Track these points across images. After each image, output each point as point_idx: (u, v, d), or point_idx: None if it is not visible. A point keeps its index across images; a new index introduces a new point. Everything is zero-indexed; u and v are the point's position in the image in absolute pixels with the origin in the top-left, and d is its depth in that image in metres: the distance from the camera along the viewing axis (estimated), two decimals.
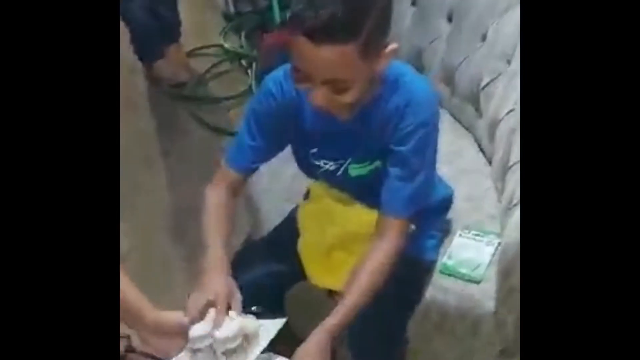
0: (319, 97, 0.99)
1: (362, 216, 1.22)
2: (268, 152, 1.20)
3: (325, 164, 1.17)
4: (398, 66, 1.10)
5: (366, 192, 1.21)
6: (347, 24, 0.92)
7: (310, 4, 0.92)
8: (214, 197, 1.19)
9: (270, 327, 1.05)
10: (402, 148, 1.07)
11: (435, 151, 1.11)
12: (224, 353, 0.98)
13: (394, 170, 1.09)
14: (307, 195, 1.35)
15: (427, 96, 1.09)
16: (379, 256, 1.09)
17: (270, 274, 1.26)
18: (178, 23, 2.51)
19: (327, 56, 0.93)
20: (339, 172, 1.17)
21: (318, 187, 1.31)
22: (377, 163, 1.15)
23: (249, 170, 1.22)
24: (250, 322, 1.03)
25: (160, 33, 2.45)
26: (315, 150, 1.17)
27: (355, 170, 1.16)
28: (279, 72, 1.13)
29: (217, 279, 1.06)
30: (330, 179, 1.20)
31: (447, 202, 1.32)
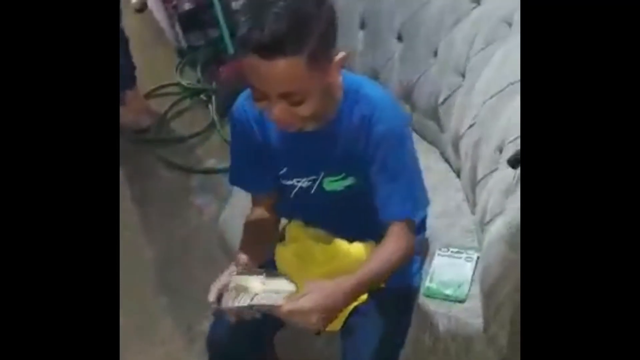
0: (277, 111, 1.02)
1: (344, 250, 1.23)
2: (260, 175, 1.23)
3: (297, 182, 1.19)
4: (355, 79, 1.15)
5: (344, 217, 1.21)
6: (292, 38, 0.96)
7: (255, 22, 0.97)
8: (250, 220, 1.27)
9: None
10: (379, 155, 1.10)
11: (413, 152, 1.14)
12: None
13: (379, 179, 1.12)
14: (282, 237, 1.34)
15: (389, 103, 1.13)
16: (385, 251, 1.12)
17: (257, 319, 1.25)
18: (132, 68, 2.49)
19: (277, 70, 0.97)
20: (314, 189, 1.18)
21: (294, 228, 1.30)
22: (352, 179, 1.16)
23: (260, 190, 1.26)
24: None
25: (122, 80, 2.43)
26: (284, 170, 1.19)
27: (330, 185, 1.18)
28: (241, 98, 1.19)
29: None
30: (304, 199, 1.21)
31: (423, 222, 1.32)
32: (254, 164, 1.22)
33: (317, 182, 1.18)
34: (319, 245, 1.25)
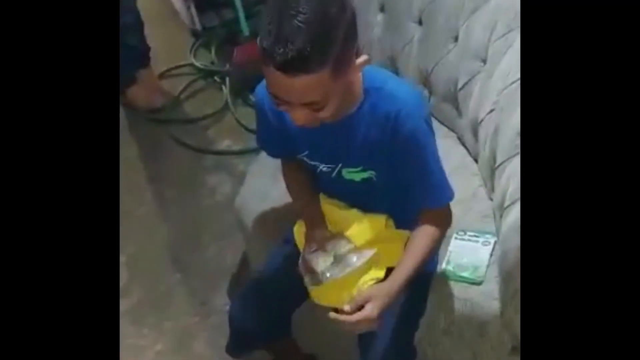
0: (299, 117, 1.03)
1: (374, 224, 1.25)
2: (284, 149, 1.26)
3: (319, 164, 1.21)
4: (377, 74, 1.14)
5: (362, 202, 1.24)
6: (317, 54, 0.94)
7: (278, 38, 0.93)
8: (286, 173, 1.32)
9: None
10: (410, 153, 1.11)
11: (434, 142, 1.15)
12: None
13: (413, 176, 1.14)
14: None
15: (414, 100, 1.13)
16: (428, 237, 1.16)
17: (276, 297, 1.29)
18: (147, 49, 2.50)
19: (302, 85, 0.96)
20: (334, 174, 1.21)
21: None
22: (371, 173, 1.18)
23: (289, 155, 1.28)
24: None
25: (130, 61, 2.43)
26: (305, 153, 1.21)
27: (348, 174, 1.20)
28: (261, 85, 1.17)
29: (320, 230, 1.23)
30: (326, 180, 1.23)
31: None
32: (276, 141, 1.25)
33: (336, 170, 1.20)
34: (336, 211, 1.28)
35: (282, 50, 0.93)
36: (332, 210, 1.29)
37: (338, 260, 1.20)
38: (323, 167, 1.21)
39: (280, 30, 0.93)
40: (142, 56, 2.50)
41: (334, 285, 1.21)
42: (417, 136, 1.10)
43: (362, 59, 1.04)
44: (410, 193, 1.16)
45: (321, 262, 1.19)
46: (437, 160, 1.14)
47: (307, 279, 1.21)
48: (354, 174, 1.19)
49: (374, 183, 1.19)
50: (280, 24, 0.93)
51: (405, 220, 1.22)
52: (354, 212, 1.27)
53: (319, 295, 1.26)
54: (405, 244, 1.19)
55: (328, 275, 1.19)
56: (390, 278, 1.13)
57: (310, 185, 1.29)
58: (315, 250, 1.21)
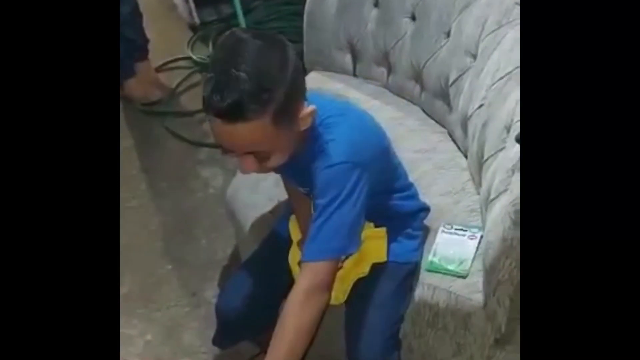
0: (245, 166, 1.04)
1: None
2: None
3: (297, 187, 1.23)
4: (325, 112, 1.09)
5: None
6: (253, 104, 0.95)
7: (215, 89, 0.96)
8: (285, 184, 1.31)
9: None
10: (319, 197, 1.06)
11: (351, 197, 1.05)
12: None
13: (314, 221, 1.06)
14: None
15: (344, 137, 1.07)
16: (291, 309, 1.07)
17: (264, 287, 1.29)
18: (145, 42, 2.50)
19: (241, 133, 0.97)
20: (311, 195, 1.19)
21: None
22: None
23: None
24: None
25: (127, 53, 2.44)
26: (282, 174, 1.24)
27: None
28: None
29: None
30: (309, 199, 1.22)
31: (423, 209, 1.34)
32: None
33: (313, 194, 1.17)
34: None
35: (218, 98, 0.95)
36: None
37: None
38: (299, 189, 1.23)
39: (219, 81, 0.96)
40: (140, 49, 2.51)
41: None
42: (328, 174, 1.05)
43: (307, 110, 1.03)
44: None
45: None
46: (338, 211, 1.04)
47: None
48: None
49: None
50: (219, 75, 0.96)
51: (382, 220, 1.25)
52: None
53: None
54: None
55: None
56: None
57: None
58: None
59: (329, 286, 1.08)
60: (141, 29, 2.47)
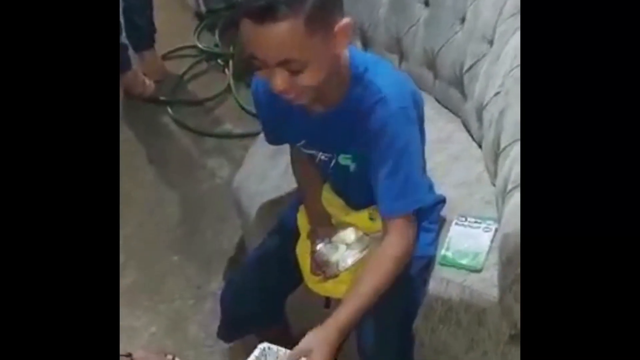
0: (277, 80, 0.99)
1: (360, 222, 1.22)
2: (283, 136, 1.24)
3: (317, 153, 1.19)
4: (363, 61, 1.09)
5: (358, 189, 1.21)
6: (285, 4, 0.93)
7: None
8: (294, 161, 1.30)
9: None
10: (379, 145, 1.06)
11: (415, 141, 1.10)
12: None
13: (379, 172, 1.08)
14: None
15: (392, 88, 1.07)
16: (382, 258, 1.10)
17: (270, 280, 1.27)
18: (152, 30, 2.48)
19: (272, 35, 0.94)
20: (332, 163, 1.18)
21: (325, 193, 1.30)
22: (359, 161, 1.15)
23: (289, 143, 1.26)
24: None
25: (134, 41, 2.41)
26: (303, 142, 1.19)
27: (344, 160, 1.17)
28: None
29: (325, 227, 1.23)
30: (325, 168, 1.21)
31: (439, 201, 1.31)
32: (273, 131, 1.24)
33: (334, 159, 1.18)
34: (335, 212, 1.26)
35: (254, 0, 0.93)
36: (331, 202, 1.27)
37: (351, 247, 1.19)
38: (321, 156, 1.19)
39: None
40: (148, 37, 2.49)
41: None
42: (388, 127, 1.05)
43: (344, 22, 1.00)
44: (376, 194, 1.10)
45: (334, 254, 1.18)
46: (408, 159, 1.07)
47: (321, 275, 1.20)
48: (349, 161, 1.17)
49: (367, 170, 1.15)
50: None
51: None
52: (354, 215, 1.25)
53: (317, 284, 1.24)
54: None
55: (349, 262, 1.18)
56: (332, 320, 1.05)
57: (317, 177, 1.27)
58: (324, 244, 1.20)
59: (414, 239, 1.13)
60: (150, 17, 2.45)
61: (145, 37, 2.47)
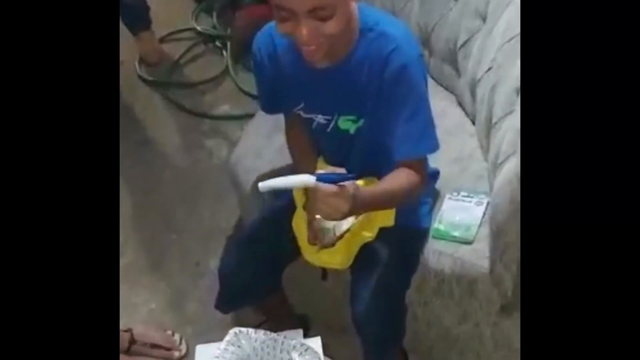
0: (305, 31, 0.98)
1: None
2: (282, 101, 1.23)
3: (315, 117, 1.19)
4: (372, 15, 1.11)
5: (355, 155, 1.22)
6: None
7: None
8: (289, 135, 1.30)
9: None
10: (397, 92, 1.07)
11: (426, 87, 1.12)
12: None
13: (396, 117, 1.09)
14: None
15: (407, 39, 1.10)
16: (399, 176, 1.10)
17: (267, 251, 1.28)
18: (145, 9, 2.46)
19: None
20: (330, 126, 1.18)
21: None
22: (362, 121, 1.15)
23: (286, 110, 1.25)
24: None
25: (129, 22, 2.41)
26: (301, 105, 1.19)
27: (344, 124, 1.17)
28: (259, 33, 1.18)
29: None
30: (321, 134, 1.21)
31: (434, 174, 1.32)
32: (273, 94, 1.22)
33: (333, 122, 1.18)
34: None
35: None
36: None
37: None
38: (320, 119, 1.19)
39: None
40: (141, 17, 2.46)
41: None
42: (407, 73, 1.07)
43: None
44: (392, 139, 1.11)
45: (329, 221, 1.18)
46: (423, 106, 1.10)
47: (318, 244, 1.21)
48: (349, 123, 1.17)
49: (365, 134, 1.16)
50: None
51: None
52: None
53: (313, 255, 1.25)
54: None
55: (344, 227, 1.19)
56: (361, 189, 1.05)
57: (312, 150, 1.27)
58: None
59: (425, 183, 1.16)
60: None
61: (139, 18, 2.44)
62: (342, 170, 0.97)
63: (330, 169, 0.97)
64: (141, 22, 2.47)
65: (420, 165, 1.13)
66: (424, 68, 1.12)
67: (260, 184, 0.99)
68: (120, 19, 2.38)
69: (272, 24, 1.14)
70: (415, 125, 1.09)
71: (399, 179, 1.10)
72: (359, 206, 1.00)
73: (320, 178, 0.95)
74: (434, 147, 1.13)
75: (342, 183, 0.97)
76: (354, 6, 1.07)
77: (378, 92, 1.09)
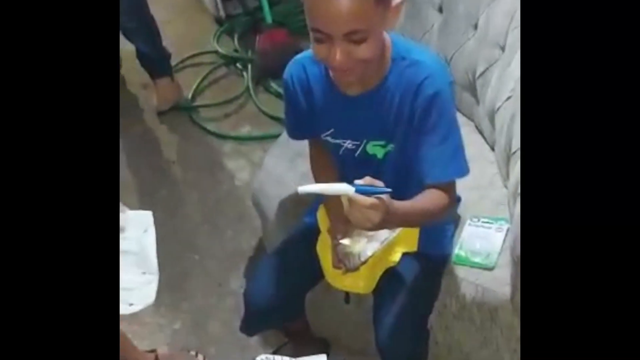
0: (339, 54, 1.00)
1: None
2: (311, 127, 1.26)
3: (343, 142, 1.21)
4: (403, 44, 1.14)
5: (380, 179, 1.23)
6: None
7: None
8: (313, 158, 1.33)
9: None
10: (429, 118, 1.10)
11: (455, 114, 1.15)
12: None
13: (427, 141, 1.11)
14: None
15: (438, 66, 1.13)
16: (429, 196, 1.12)
17: (292, 275, 1.31)
18: (162, 57, 2.44)
19: (343, 3, 0.96)
20: (358, 151, 1.20)
21: None
22: (391, 147, 1.18)
23: (314, 136, 1.28)
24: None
25: (147, 68, 2.43)
26: (330, 131, 1.21)
27: (372, 149, 1.20)
28: (291, 62, 1.21)
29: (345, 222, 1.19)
30: (348, 160, 1.23)
31: (456, 200, 1.33)
32: (302, 120, 1.25)
33: (361, 147, 1.20)
34: None
35: None
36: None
37: (371, 239, 1.22)
38: (348, 145, 1.21)
39: None
40: (159, 64, 2.44)
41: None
42: (439, 101, 1.09)
43: (398, 0, 1.03)
44: (418, 163, 1.13)
45: (356, 246, 1.21)
46: (454, 130, 1.13)
47: (342, 268, 1.23)
48: (378, 149, 1.19)
49: (392, 159, 1.19)
50: None
51: None
52: None
53: (337, 279, 1.28)
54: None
55: (369, 253, 1.21)
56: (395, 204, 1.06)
57: (336, 173, 1.29)
58: (346, 238, 1.22)
59: (454, 202, 1.20)
60: (156, 43, 2.40)
61: (156, 65, 2.44)
62: (380, 183, 1.00)
63: (368, 181, 1.01)
64: (160, 69, 2.46)
65: (449, 189, 1.16)
66: (454, 94, 1.15)
67: (300, 188, 1.01)
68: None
69: (304, 53, 1.19)
70: (446, 149, 1.12)
71: (430, 199, 1.12)
72: (391, 219, 1.03)
73: (358, 189, 0.98)
74: (464, 171, 1.15)
75: (378, 196, 1.00)
76: (387, 36, 1.10)
77: (409, 119, 1.12)
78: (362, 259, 1.22)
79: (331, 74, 1.13)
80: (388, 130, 1.16)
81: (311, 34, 1.03)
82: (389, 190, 1.00)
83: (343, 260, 1.23)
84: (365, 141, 1.19)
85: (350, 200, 0.99)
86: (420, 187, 1.14)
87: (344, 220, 1.24)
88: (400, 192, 1.24)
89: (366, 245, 1.21)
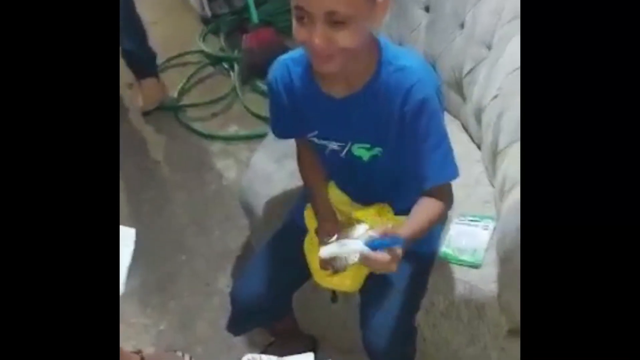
0: (318, 37, 0.99)
1: (366, 218, 1.25)
2: (295, 128, 1.26)
3: (329, 143, 1.21)
4: (392, 49, 1.14)
5: (367, 182, 1.25)
6: None
7: None
8: (301, 158, 1.33)
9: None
10: (420, 124, 1.10)
11: (443, 121, 1.16)
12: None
13: (421, 147, 1.12)
14: None
15: (426, 71, 1.13)
16: (431, 204, 1.14)
17: (279, 274, 1.31)
18: (148, 57, 2.44)
19: None
20: (343, 152, 1.21)
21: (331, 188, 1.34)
22: (378, 150, 1.18)
23: (299, 136, 1.29)
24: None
25: (133, 68, 2.42)
26: (315, 133, 1.21)
27: (357, 151, 1.20)
28: (275, 64, 1.20)
29: (332, 222, 1.27)
30: (334, 161, 1.23)
31: None
32: (287, 120, 1.25)
33: (346, 148, 1.20)
34: (343, 207, 1.30)
35: None
36: (337, 199, 1.30)
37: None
38: (334, 146, 1.21)
39: None
40: (144, 64, 2.44)
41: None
42: (428, 106, 1.09)
43: None
44: (414, 169, 1.14)
45: (342, 249, 1.20)
46: (444, 135, 1.14)
47: (329, 270, 1.22)
48: (363, 151, 1.19)
49: (380, 162, 1.19)
50: None
51: (403, 207, 1.22)
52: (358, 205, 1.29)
53: (323, 278, 1.28)
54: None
55: (355, 258, 1.18)
56: (403, 232, 1.09)
57: (323, 173, 1.30)
58: (332, 240, 1.20)
59: (451, 204, 1.21)
60: (142, 42, 2.39)
61: (142, 65, 2.43)
62: (389, 209, 1.02)
63: (381, 231, 1.03)
64: (146, 69, 2.45)
65: (447, 191, 1.17)
66: (442, 98, 1.16)
67: (321, 252, 1.09)
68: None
69: (288, 54, 1.19)
70: (440, 153, 1.13)
71: (431, 208, 1.14)
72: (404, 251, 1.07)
73: (371, 245, 1.03)
74: (457, 173, 1.16)
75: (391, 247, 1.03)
76: (375, 38, 1.10)
77: (399, 124, 1.12)
78: (350, 262, 1.21)
79: (313, 64, 1.09)
80: (373, 134, 1.16)
81: (293, 13, 1.01)
82: (401, 240, 1.04)
83: (330, 262, 1.23)
84: (350, 143, 1.19)
85: (367, 257, 1.03)
86: (411, 190, 1.15)
87: (332, 221, 1.26)
88: (391, 194, 1.25)
89: (354, 247, 1.20)
